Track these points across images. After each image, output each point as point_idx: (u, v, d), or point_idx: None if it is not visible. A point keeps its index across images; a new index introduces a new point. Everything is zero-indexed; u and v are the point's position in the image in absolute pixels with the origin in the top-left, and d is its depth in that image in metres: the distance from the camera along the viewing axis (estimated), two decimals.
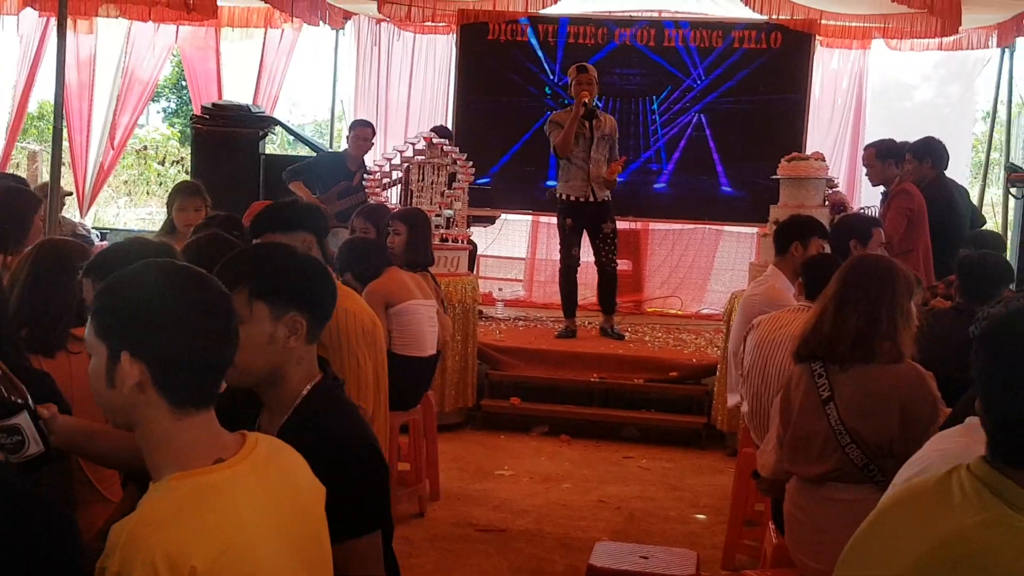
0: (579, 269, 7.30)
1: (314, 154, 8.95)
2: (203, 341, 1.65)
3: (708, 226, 9.18)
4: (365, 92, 9.69)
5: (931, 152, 6.59)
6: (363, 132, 7.74)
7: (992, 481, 1.51)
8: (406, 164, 6.76)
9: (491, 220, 8.92)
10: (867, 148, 6.82)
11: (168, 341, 1.63)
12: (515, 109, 8.78)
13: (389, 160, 6.84)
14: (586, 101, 6.95)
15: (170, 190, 5.37)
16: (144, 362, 1.62)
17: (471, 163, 6.83)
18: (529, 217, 9.41)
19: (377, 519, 2.07)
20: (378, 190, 6.76)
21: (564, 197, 7.17)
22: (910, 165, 6.50)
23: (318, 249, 3.38)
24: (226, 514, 1.60)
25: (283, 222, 3.32)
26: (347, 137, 7.86)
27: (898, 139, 6.80)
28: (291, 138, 12.12)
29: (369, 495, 2.04)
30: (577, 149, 7.05)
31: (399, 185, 6.93)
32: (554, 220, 9.12)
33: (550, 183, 8.58)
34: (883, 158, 6.50)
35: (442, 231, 6.62)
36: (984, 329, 1.57)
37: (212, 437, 1.69)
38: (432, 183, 6.72)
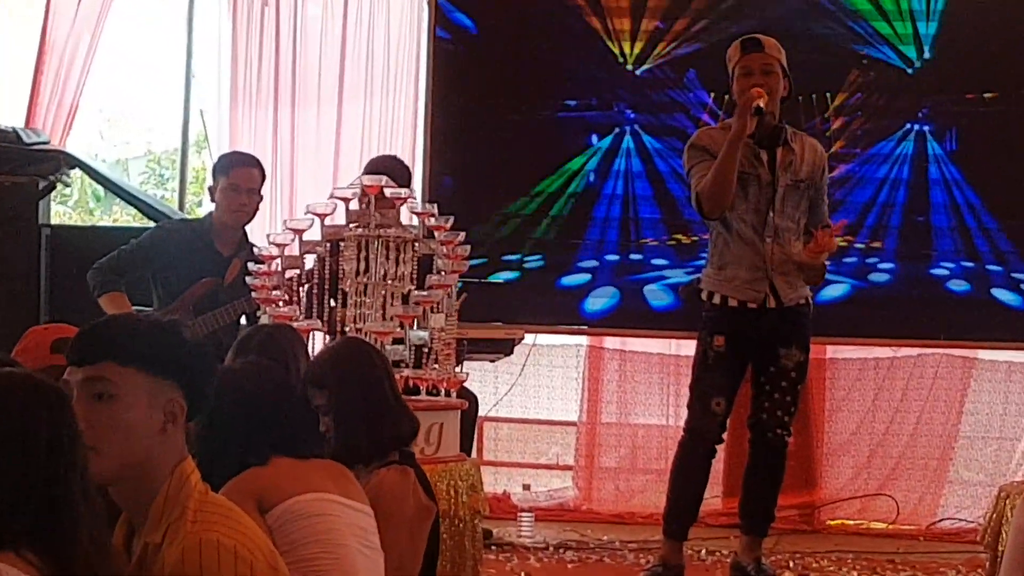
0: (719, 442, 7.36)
1: (150, 224, 9.21)
2: None
3: (946, 350, 9.37)
4: (249, 99, 10.02)
5: None
6: (243, 175, 7.85)
7: None
8: (330, 241, 6.90)
9: (506, 347, 8.99)
10: None
11: None
12: (546, 127, 9.10)
13: (299, 232, 6.90)
14: (758, 106, 6.91)
15: None
16: None
17: (462, 234, 6.87)
18: (583, 341, 9.66)
19: None
20: (277, 295, 6.77)
21: (715, 300, 7.30)
22: None
23: (183, 421, 3.52)
24: None
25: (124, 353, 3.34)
26: (212, 188, 7.96)
27: None
28: (102, 190, 12.39)
29: None
30: (745, 205, 7.19)
31: (314, 283, 6.86)
32: (637, 345, 9.23)
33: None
34: None
35: (407, 372, 6.68)
36: None
37: None
38: (385, 276, 6.74)
